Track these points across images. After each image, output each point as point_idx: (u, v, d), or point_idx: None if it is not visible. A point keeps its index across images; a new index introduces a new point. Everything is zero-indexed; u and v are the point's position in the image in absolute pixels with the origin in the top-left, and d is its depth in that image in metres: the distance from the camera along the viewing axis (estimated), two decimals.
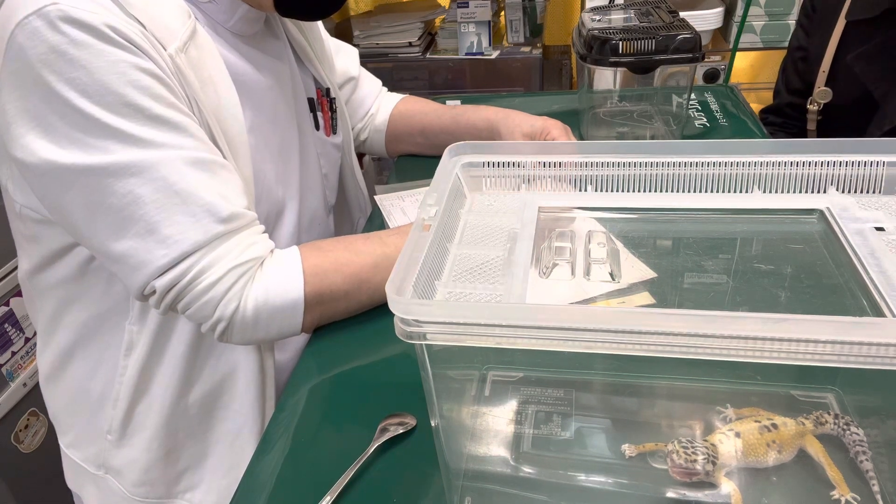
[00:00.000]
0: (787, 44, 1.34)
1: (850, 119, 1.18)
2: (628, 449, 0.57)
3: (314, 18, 0.88)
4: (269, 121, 0.86)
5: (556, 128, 1.04)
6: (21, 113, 0.65)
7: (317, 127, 0.97)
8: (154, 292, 0.70)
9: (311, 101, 0.96)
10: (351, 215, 1.12)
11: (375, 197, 1.06)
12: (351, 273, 0.78)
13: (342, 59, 1.10)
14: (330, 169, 1.02)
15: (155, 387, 0.81)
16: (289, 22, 0.93)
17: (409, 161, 1.20)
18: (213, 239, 0.69)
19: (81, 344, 0.84)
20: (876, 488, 0.52)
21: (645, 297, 0.60)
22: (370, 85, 1.16)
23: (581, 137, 1.20)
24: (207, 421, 0.84)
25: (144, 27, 0.66)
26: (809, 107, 1.22)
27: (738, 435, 0.54)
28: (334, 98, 1.00)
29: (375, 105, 1.17)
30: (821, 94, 1.19)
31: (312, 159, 0.97)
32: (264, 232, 0.76)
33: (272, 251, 0.76)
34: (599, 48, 1.06)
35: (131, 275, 0.69)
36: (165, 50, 0.68)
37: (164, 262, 0.68)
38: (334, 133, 1.01)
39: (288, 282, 0.74)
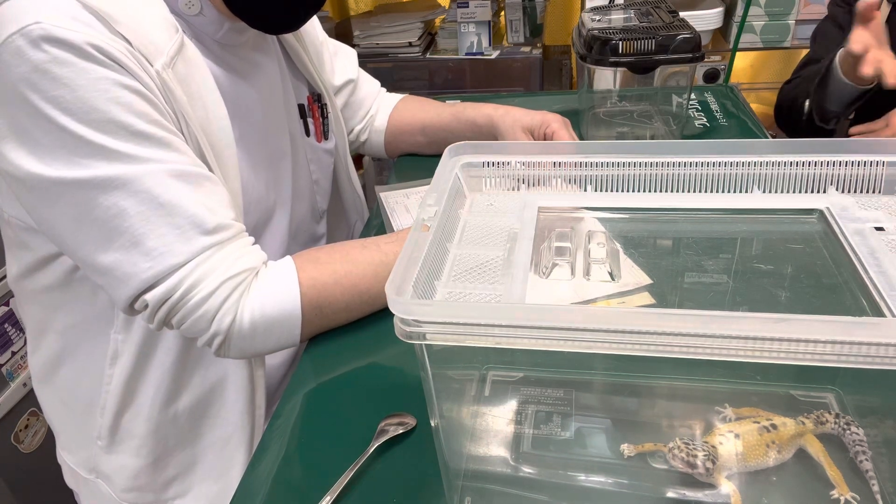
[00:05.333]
0: (787, 44, 1.34)
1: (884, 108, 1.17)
2: (627, 449, 0.57)
3: (278, 32, 0.86)
4: (258, 131, 0.86)
5: (555, 121, 1.04)
6: (8, 129, 0.65)
7: (307, 133, 0.97)
8: (146, 307, 0.69)
9: (301, 107, 0.96)
10: (348, 219, 1.11)
11: (381, 194, 1.06)
12: (350, 285, 0.77)
13: (341, 61, 1.10)
14: (321, 174, 1.01)
15: (142, 396, 0.81)
16: None
17: (409, 161, 1.20)
18: (200, 251, 0.69)
19: (68, 351, 0.84)
20: (876, 488, 0.52)
21: (644, 298, 0.60)
22: (369, 86, 1.16)
23: (581, 137, 1.20)
24: (196, 429, 0.84)
25: (130, 44, 0.66)
26: None
27: (737, 436, 0.54)
28: (325, 104, 0.99)
29: (375, 106, 1.17)
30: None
31: (302, 165, 0.97)
32: (255, 244, 0.75)
33: (266, 263, 0.75)
34: (599, 48, 1.06)
35: (117, 288, 0.69)
36: (152, 66, 0.67)
37: (149, 274, 0.67)
38: (326, 139, 1.00)
39: (284, 294, 0.73)
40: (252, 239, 0.75)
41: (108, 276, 0.69)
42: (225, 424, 0.84)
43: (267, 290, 0.73)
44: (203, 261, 0.69)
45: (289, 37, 0.93)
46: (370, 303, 0.80)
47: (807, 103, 1.26)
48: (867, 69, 1.03)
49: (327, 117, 1.00)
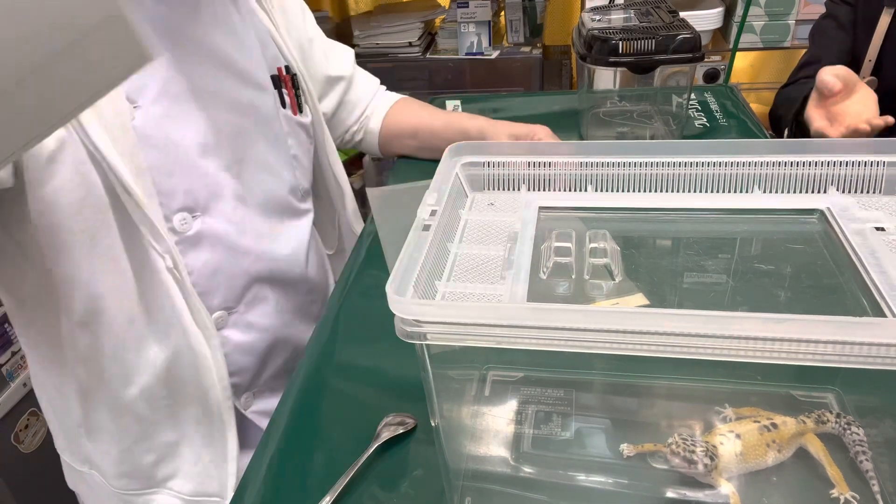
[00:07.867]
0: (787, 44, 1.33)
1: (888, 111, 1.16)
2: (627, 448, 0.57)
3: None
4: (196, 90, 0.82)
5: (541, 131, 1.04)
6: None
7: (283, 104, 0.94)
8: None
9: (274, 77, 0.93)
10: (332, 202, 1.08)
11: (372, 194, 1.04)
12: None
13: (336, 57, 1.10)
14: (300, 150, 0.97)
15: (94, 386, 0.81)
16: None
17: (409, 162, 1.20)
18: None
19: (29, 346, 0.85)
20: (876, 488, 0.52)
21: (639, 299, 0.60)
22: (365, 86, 1.15)
23: (581, 137, 1.20)
24: (166, 408, 0.84)
25: None
26: None
27: (737, 436, 0.54)
28: (296, 75, 0.97)
29: (371, 107, 1.16)
30: (868, 83, 1.16)
31: (278, 139, 0.93)
32: None
33: None
34: (599, 48, 1.06)
35: None
36: None
37: None
38: (300, 112, 0.98)
39: None
40: None
41: None
42: (192, 401, 0.83)
43: None
44: None
45: (258, 9, 0.92)
46: None
47: (786, 131, 1.25)
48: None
49: (299, 89, 0.98)
